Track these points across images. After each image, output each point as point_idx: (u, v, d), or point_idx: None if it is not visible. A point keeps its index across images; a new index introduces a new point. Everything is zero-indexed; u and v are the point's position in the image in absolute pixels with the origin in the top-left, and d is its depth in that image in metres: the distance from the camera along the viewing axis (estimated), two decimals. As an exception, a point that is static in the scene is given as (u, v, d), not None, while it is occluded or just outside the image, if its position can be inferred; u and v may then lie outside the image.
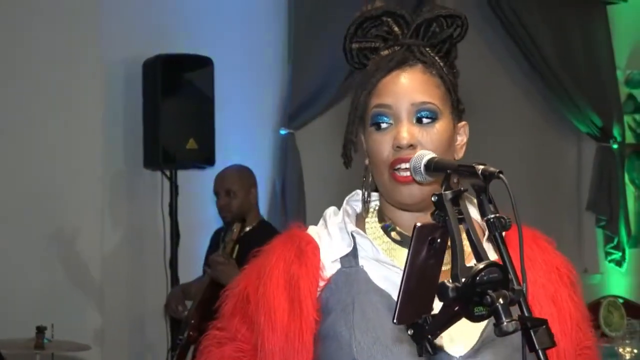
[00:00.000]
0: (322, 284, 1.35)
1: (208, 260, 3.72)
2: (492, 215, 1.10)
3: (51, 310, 3.71)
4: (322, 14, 4.44)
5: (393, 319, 1.04)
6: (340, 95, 4.38)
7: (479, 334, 1.31)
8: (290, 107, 4.47)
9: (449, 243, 1.08)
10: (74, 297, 3.95)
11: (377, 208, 1.43)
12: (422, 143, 1.32)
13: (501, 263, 1.06)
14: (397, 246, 1.37)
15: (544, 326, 1.04)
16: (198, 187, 4.21)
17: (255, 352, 1.35)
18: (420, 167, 1.25)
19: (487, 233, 1.23)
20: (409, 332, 1.07)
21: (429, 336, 1.06)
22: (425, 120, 1.33)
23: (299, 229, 1.41)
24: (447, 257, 1.08)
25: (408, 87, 1.34)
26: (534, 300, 1.33)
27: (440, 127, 1.34)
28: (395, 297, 1.07)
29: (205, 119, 4.07)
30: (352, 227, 1.38)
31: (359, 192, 1.43)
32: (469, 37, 1.39)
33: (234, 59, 4.31)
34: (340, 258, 1.37)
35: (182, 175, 4.15)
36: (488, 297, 1.02)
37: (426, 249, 1.06)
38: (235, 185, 3.84)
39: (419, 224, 1.05)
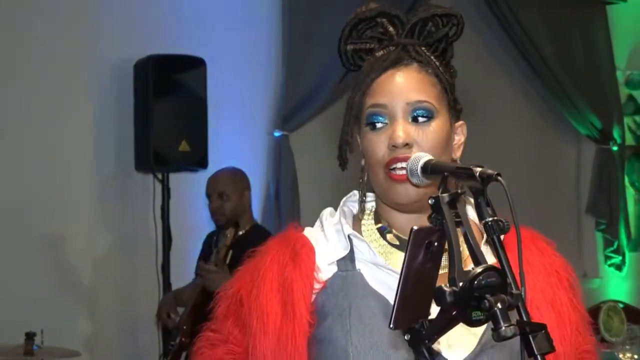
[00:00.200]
0: (317, 286, 1.35)
1: (199, 268, 3.68)
2: (490, 219, 1.09)
3: (41, 316, 3.67)
4: (317, 15, 4.43)
5: (389, 324, 1.03)
6: (335, 97, 4.37)
7: (477, 340, 1.30)
8: (284, 108, 4.45)
9: (446, 246, 1.07)
10: (64, 302, 3.91)
11: (373, 209, 1.42)
12: (418, 142, 1.30)
13: (499, 267, 1.05)
14: (393, 249, 1.36)
15: (543, 331, 1.03)
16: (190, 190, 4.18)
17: (247, 355, 1.35)
18: (417, 170, 1.24)
19: (485, 236, 1.21)
20: (405, 338, 1.06)
21: (426, 341, 1.06)
22: (421, 119, 1.32)
23: (295, 230, 1.41)
24: (445, 260, 1.06)
25: (403, 86, 1.33)
26: (532, 305, 1.32)
27: (437, 126, 1.32)
28: (392, 302, 1.06)
29: (197, 120, 4.04)
30: (348, 229, 1.38)
31: (357, 192, 1.42)
32: (466, 37, 1.38)
33: (227, 59, 4.29)
34: (337, 261, 1.37)
35: (174, 178, 4.11)
36: (486, 301, 1.01)
37: (423, 253, 1.05)
38: (228, 188, 3.81)
39: (415, 227, 1.05)
